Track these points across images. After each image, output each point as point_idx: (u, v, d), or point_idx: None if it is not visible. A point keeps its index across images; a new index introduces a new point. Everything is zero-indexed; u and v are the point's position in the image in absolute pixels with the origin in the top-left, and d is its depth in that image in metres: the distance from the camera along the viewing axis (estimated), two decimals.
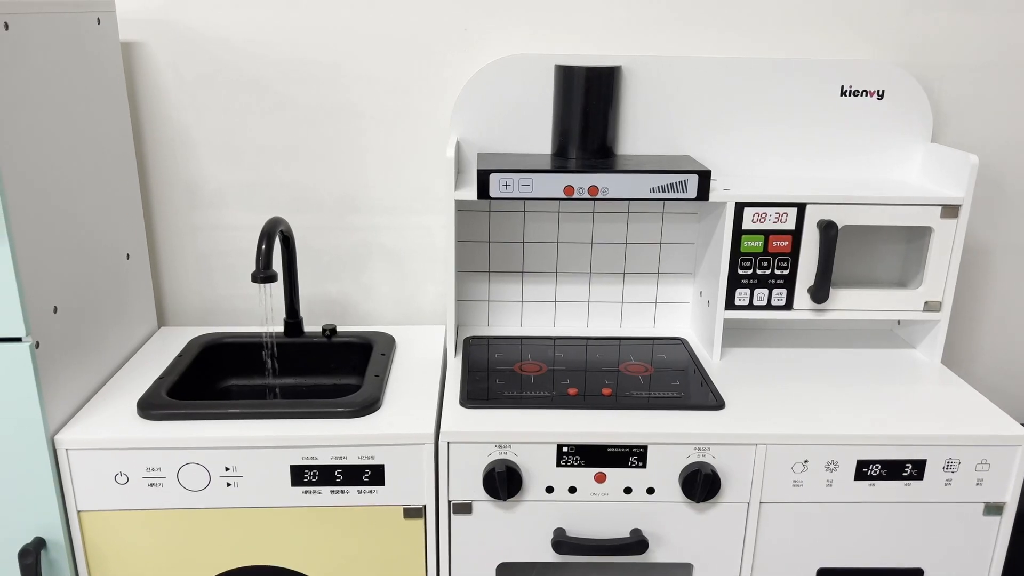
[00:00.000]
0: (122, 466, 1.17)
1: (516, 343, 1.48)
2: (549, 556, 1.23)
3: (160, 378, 1.32)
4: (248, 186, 1.54)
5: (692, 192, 1.32)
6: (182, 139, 1.51)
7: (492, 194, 1.31)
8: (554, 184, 1.31)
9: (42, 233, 1.14)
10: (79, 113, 1.25)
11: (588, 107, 1.38)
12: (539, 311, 1.56)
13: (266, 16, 1.46)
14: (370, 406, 1.23)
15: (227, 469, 1.18)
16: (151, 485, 1.18)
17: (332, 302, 1.61)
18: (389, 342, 1.46)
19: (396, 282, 1.60)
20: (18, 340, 1.10)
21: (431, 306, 1.62)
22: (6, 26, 1.06)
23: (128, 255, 1.43)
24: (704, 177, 1.32)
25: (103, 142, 1.33)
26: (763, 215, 1.35)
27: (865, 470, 1.20)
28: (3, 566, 1.19)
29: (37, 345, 1.12)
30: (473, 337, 1.51)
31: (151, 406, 1.21)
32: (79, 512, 1.19)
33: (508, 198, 1.31)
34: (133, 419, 1.21)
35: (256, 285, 1.59)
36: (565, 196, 1.31)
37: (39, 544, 1.18)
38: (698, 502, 1.20)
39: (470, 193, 1.33)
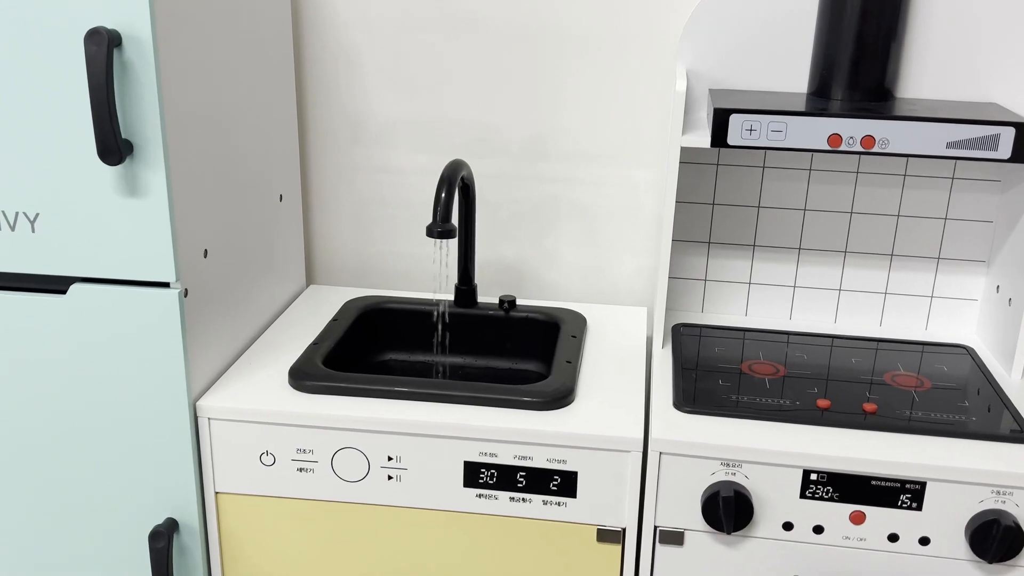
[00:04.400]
0: (269, 444, 1.22)
1: (739, 336, 1.46)
2: None
3: (314, 344, 1.36)
4: (420, 122, 1.56)
5: (1005, 151, 1.23)
6: (348, 62, 1.55)
7: (731, 141, 1.26)
8: (815, 131, 1.25)
9: (198, 164, 1.19)
10: (240, 28, 1.30)
11: (864, 34, 1.31)
12: (772, 297, 1.52)
13: None
14: (563, 398, 1.22)
15: (390, 459, 1.20)
16: (301, 470, 1.22)
17: (508, 268, 1.62)
18: (580, 323, 1.45)
19: (587, 249, 1.59)
20: (166, 285, 1.16)
21: (628, 282, 1.60)
22: None
23: (281, 196, 1.48)
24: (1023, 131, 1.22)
25: (263, 64, 1.38)
26: None
27: None
28: (132, 547, 1.26)
29: (186, 293, 1.17)
30: (684, 325, 1.49)
31: (305, 376, 1.25)
32: (217, 494, 1.25)
33: (750, 147, 1.26)
34: (284, 389, 1.25)
35: (426, 242, 1.61)
36: (829, 148, 1.25)
37: (171, 526, 1.24)
38: (991, 562, 1.13)
39: (700, 139, 1.30)
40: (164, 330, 1.16)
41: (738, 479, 1.16)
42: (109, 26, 1.05)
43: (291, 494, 1.23)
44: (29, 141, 1.11)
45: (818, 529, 1.16)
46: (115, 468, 1.23)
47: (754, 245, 1.50)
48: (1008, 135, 1.22)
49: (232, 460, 1.23)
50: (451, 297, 1.55)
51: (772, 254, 1.50)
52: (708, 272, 1.53)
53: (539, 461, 1.18)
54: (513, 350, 1.50)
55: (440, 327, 1.50)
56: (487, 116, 1.55)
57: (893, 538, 1.15)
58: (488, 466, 1.19)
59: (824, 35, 1.35)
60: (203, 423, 1.22)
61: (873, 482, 1.13)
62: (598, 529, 1.19)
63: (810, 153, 1.42)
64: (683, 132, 1.32)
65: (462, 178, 1.36)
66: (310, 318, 1.48)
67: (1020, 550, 1.11)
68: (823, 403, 1.24)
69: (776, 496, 1.16)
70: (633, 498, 1.18)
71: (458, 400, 1.22)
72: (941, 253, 1.47)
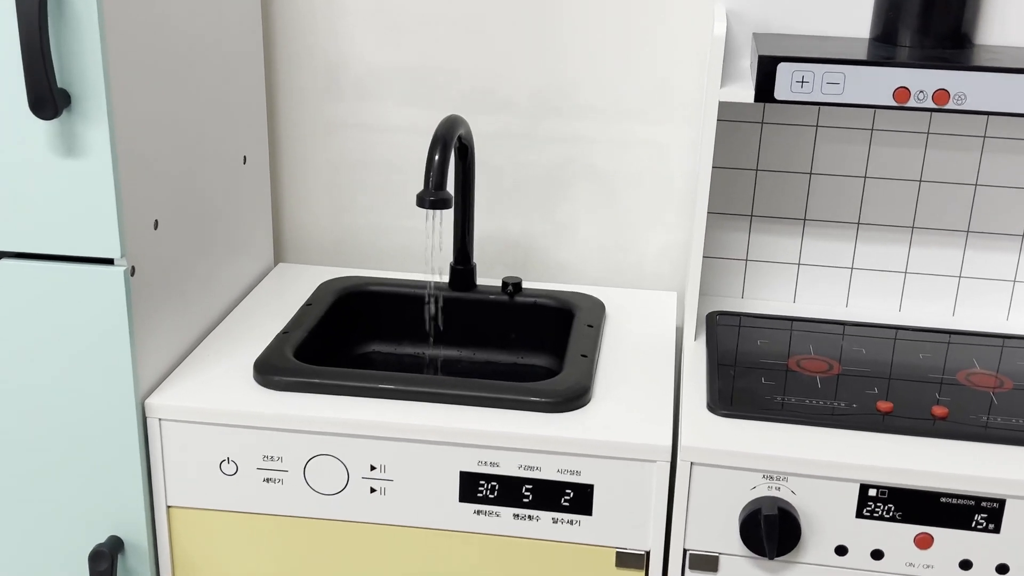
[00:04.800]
0: (231, 449, 1.20)
1: (786, 326, 1.46)
2: None
3: (284, 332, 1.35)
4: (410, 70, 1.55)
5: None
6: (324, 1, 1.53)
7: (778, 95, 1.25)
8: (878, 83, 1.23)
9: (147, 119, 1.17)
10: None
11: None
12: (825, 281, 1.52)
13: None
14: (577, 398, 1.21)
15: (373, 468, 1.19)
16: (268, 480, 1.21)
17: (512, 245, 1.62)
18: (597, 309, 1.45)
19: (607, 223, 1.58)
20: (110, 262, 1.14)
21: (655, 262, 1.60)
22: None
23: (245, 158, 1.47)
24: None
25: (223, 4, 1.36)
26: None
27: None
28: (69, 570, 1.25)
29: (133, 272, 1.15)
30: (722, 313, 1.49)
31: (273, 370, 1.24)
32: (169, 508, 1.24)
33: (802, 102, 1.25)
34: (248, 385, 1.25)
35: (416, 213, 1.62)
36: (895, 104, 1.24)
37: (115, 546, 1.23)
38: None
39: (743, 92, 1.29)
40: (107, 315, 1.15)
41: (783, 494, 1.15)
42: None
43: (256, 509, 1.22)
44: None
45: (877, 554, 1.15)
46: (49, 477, 1.21)
47: (804, 219, 1.49)
48: None
49: (187, 468, 1.22)
50: (446, 279, 1.54)
51: (825, 230, 1.50)
52: (750, 251, 1.52)
53: (549, 472, 1.17)
54: (518, 342, 1.50)
55: (432, 314, 1.49)
56: (489, 64, 1.53)
57: (965, 565, 1.14)
58: (489, 477, 1.18)
59: None
60: (153, 424, 1.21)
61: (942, 499, 1.13)
62: (617, 552, 1.19)
63: (872, 110, 1.40)
64: (722, 84, 1.31)
65: (459, 137, 1.35)
66: (279, 302, 1.48)
67: None
68: (884, 406, 1.24)
69: (828, 515, 1.15)
70: (659, 516, 1.17)
71: (453, 400, 1.21)
72: None
